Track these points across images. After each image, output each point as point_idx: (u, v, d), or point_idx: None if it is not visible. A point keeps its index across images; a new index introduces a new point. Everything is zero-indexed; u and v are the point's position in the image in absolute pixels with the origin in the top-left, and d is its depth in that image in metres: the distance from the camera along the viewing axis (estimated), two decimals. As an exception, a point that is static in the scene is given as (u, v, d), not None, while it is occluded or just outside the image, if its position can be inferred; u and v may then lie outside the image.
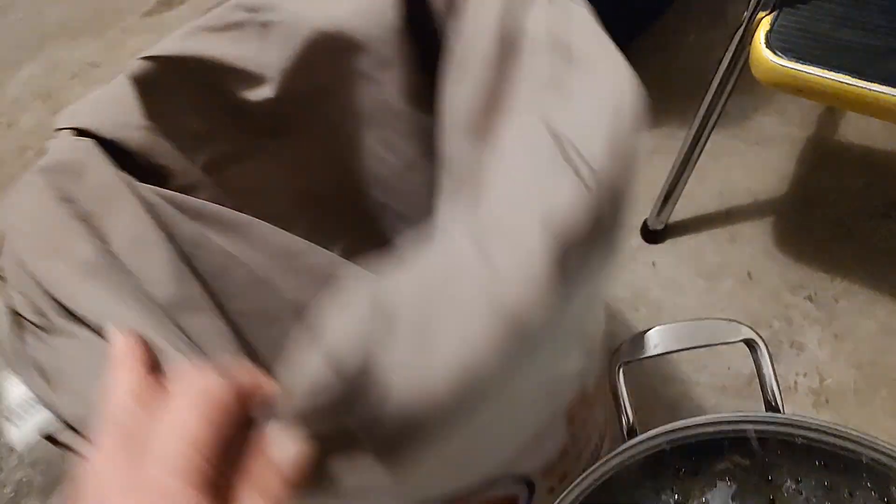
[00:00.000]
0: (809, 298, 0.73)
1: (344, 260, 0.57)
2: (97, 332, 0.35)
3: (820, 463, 0.38)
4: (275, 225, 0.54)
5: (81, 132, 0.45)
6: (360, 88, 0.51)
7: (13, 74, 1.21)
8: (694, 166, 0.76)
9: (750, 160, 0.85)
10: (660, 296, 0.75)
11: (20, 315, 0.35)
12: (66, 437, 0.33)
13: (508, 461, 0.43)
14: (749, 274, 0.76)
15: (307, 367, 0.27)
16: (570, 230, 0.28)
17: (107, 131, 0.45)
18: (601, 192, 0.29)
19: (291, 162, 0.56)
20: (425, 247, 0.31)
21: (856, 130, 0.85)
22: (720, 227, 0.80)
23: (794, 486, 0.37)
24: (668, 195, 0.78)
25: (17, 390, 0.34)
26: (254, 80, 0.50)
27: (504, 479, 0.44)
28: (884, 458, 0.37)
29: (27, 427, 0.34)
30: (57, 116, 0.47)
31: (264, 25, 0.49)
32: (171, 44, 0.48)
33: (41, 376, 0.33)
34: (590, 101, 0.32)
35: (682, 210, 0.81)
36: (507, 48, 0.37)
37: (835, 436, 0.38)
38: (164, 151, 0.48)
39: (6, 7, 1.34)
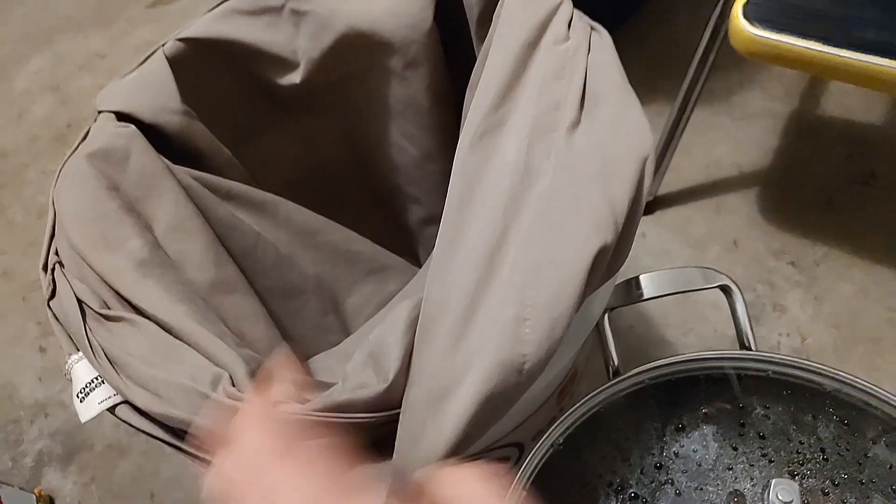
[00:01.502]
0: (792, 264, 0.76)
1: (358, 236, 0.60)
2: (154, 321, 0.37)
3: (787, 392, 0.41)
4: (286, 192, 0.57)
5: (122, 116, 0.47)
6: (387, 83, 0.53)
7: (22, 67, 1.24)
8: (679, 140, 0.79)
9: (735, 134, 0.88)
10: (650, 264, 0.79)
11: (86, 304, 0.38)
12: (124, 413, 0.36)
13: (506, 434, 0.46)
14: (734, 242, 0.79)
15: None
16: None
17: (147, 115, 0.47)
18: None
19: (309, 138, 0.59)
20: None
21: (836, 104, 0.89)
22: (706, 198, 0.83)
23: (762, 412, 0.40)
24: (656, 168, 0.81)
25: (84, 371, 0.37)
26: (284, 65, 0.52)
27: (500, 446, 0.48)
28: (844, 388, 0.41)
29: (91, 402, 0.36)
30: (98, 97, 0.49)
31: (298, 13, 0.51)
32: (205, 25, 0.50)
33: (108, 360, 0.35)
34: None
35: (671, 183, 0.85)
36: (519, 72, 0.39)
37: (801, 369, 0.42)
38: (198, 134, 0.50)
39: (13, 2, 1.37)
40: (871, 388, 0.40)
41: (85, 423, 0.37)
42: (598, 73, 0.37)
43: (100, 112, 0.48)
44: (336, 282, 0.58)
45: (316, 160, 0.60)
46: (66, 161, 0.44)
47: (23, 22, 1.34)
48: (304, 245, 0.56)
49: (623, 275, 0.82)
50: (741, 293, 0.47)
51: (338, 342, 0.59)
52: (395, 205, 0.63)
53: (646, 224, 0.82)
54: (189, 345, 0.36)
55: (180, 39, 0.50)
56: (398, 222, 0.65)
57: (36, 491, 0.79)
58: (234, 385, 0.33)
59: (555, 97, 0.35)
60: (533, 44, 0.37)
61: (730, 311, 0.47)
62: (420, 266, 0.64)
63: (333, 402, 0.30)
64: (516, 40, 0.37)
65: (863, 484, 0.37)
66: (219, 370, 0.34)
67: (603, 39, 0.39)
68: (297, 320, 0.55)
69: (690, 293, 0.77)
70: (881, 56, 0.54)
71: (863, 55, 0.55)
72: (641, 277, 0.49)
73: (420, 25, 0.49)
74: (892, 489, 0.36)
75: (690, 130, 0.82)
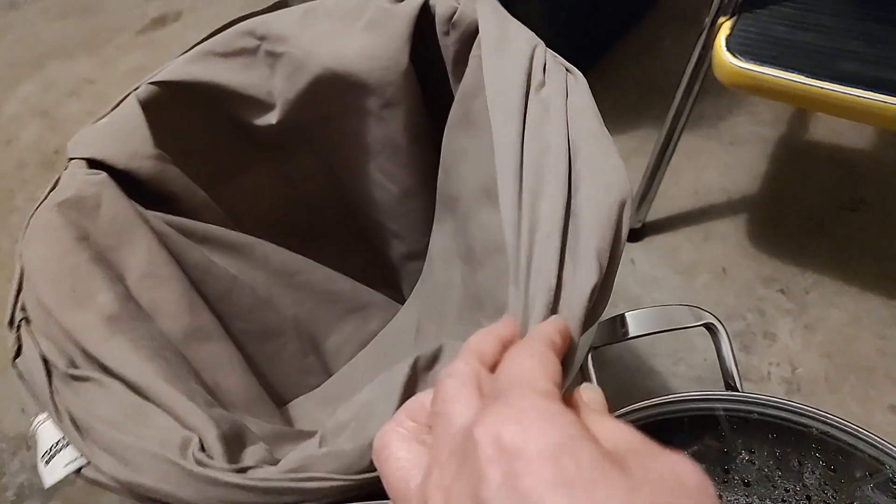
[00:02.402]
0: (781, 291, 0.76)
1: (339, 275, 0.59)
2: (122, 380, 0.36)
3: (773, 436, 0.40)
4: (266, 231, 0.56)
5: (94, 162, 0.46)
6: (364, 123, 0.52)
7: (12, 92, 1.24)
8: (667, 166, 0.79)
9: (723, 160, 0.88)
10: (638, 291, 0.78)
11: (52, 363, 0.36)
12: (92, 472, 0.34)
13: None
14: (723, 269, 0.79)
15: None
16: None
17: (119, 162, 0.46)
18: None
19: (285, 174, 0.58)
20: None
21: (825, 129, 0.89)
22: (695, 224, 0.83)
23: (747, 457, 0.39)
24: (645, 194, 0.81)
25: (49, 432, 0.36)
26: (260, 106, 0.51)
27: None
28: (832, 430, 0.40)
29: (57, 465, 0.35)
30: (69, 144, 0.48)
31: (273, 55, 0.50)
32: (179, 68, 0.49)
33: (72, 423, 0.34)
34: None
35: (659, 209, 0.84)
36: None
37: (786, 410, 0.41)
38: (172, 178, 0.49)
39: (4, 28, 1.37)
40: (856, 430, 0.39)
41: (48, 487, 0.35)
42: (575, 118, 0.36)
43: (70, 159, 0.47)
44: (316, 322, 0.57)
45: (296, 197, 0.60)
46: (35, 211, 0.43)
47: (13, 47, 1.34)
48: (283, 286, 0.55)
49: (611, 302, 0.81)
50: (726, 332, 0.46)
51: (318, 384, 0.58)
52: (376, 241, 0.63)
53: (634, 250, 0.82)
54: (158, 405, 0.35)
55: (153, 83, 0.49)
56: (380, 258, 0.64)
57: (16, 527, 0.78)
58: (203, 449, 0.32)
59: (544, 143, 0.35)
60: (526, 94, 0.37)
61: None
62: (403, 301, 0.63)
63: (308, 462, 0.29)
64: (515, 97, 0.36)
65: (850, 534, 0.36)
66: (188, 433, 0.33)
67: (578, 82, 0.39)
68: (275, 363, 0.54)
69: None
70: (864, 89, 0.53)
71: (845, 88, 0.55)
72: (627, 315, 0.48)
73: (396, 67, 0.48)
74: (880, 540, 0.35)
75: (679, 155, 0.82)
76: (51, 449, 0.35)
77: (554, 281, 0.30)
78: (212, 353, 0.45)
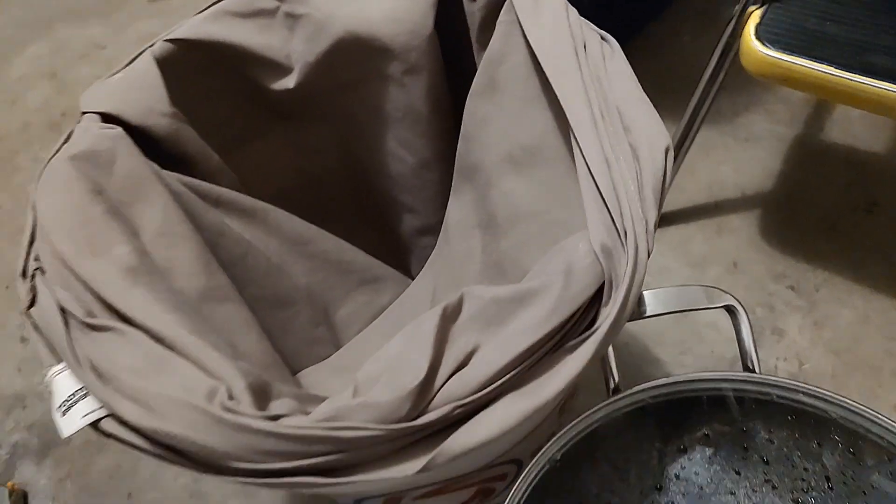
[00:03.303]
0: (791, 288, 0.76)
1: (351, 246, 0.58)
2: (144, 330, 0.35)
3: (792, 418, 0.40)
4: (276, 201, 0.55)
5: (108, 117, 0.44)
6: (385, 90, 0.51)
7: (20, 53, 1.22)
8: (684, 159, 0.79)
9: (739, 156, 0.88)
10: (649, 281, 0.78)
11: (69, 313, 0.35)
12: (110, 426, 0.33)
13: (506, 450, 0.45)
14: (735, 263, 0.78)
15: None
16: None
17: (134, 118, 0.44)
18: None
19: (299, 143, 0.57)
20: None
21: (840, 130, 0.88)
22: (708, 218, 0.83)
23: (766, 437, 0.39)
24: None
25: (66, 383, 0.34)
26: (277, 69, 0.50)
27: (499, 464, 0.46)
28: (851, 416, 0.40)
29: (74, 416, 0.34)
30: (82, 97, 0.46)
31: (293, 16, 0.49)
32: (195, 27, 0.48)
33: (93, 372, 0.33)
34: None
35: (673, 202, 0.84)
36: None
37: (805, 394, 0.41)
38: (187, 138, 0.48)
39: (14, -12, 1.36)
40: (874, 415, 0.39)
41: (66, 437, 0.34)
42: (616, 82, 0.36)
43: (84, 113, 0.45)
44: (328, 292, 0.56)
45: (308, 169, 0.59)
46: (48, 163, 0.41)
47: (24, 7, 1.32)
48: (296, 254, 0.54)
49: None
50: (747, 314, 0.46)
51: (328, 355, 0.57)
52: (388, 215, 0.62)
53: (646, 241, 0.81)
54: (182, 356, 0.34)
55: (169, 40, 0.48)
56: (391, 233, 0.63)
57: (9, 485, 0.77)
58: (231, 398, 0.31)
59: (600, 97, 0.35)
60: (576, 51, 0.36)
61: (732, 333, 0.46)
62: (412, 278, 0.62)
63: (343, 411, 0.29)
64: (568, 52, 0.36)
65: (868, 515, 0.36)
66: (215, 382, 0.32)
67: (614, 49, 0.39)
68: (286, 332, 0.54)
69: (690, 312, 0.77)
70: (891, 82, 0.53)
71: (873, 80, 0.54)
72: (645, 294, 0.48)
73: (421, 31, 0.47)
74: (898, 522, 0.35)
75: (695, 150, 0.81)
76: (68, 399, 0.34)
77: (641, 213, 0.30)
78: (228, 315, 0.44)
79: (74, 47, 1.22)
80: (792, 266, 0.77)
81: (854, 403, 0.40)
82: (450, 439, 0.28)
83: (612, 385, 0.46)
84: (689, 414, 0.42)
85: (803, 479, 0.37)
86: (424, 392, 0.29)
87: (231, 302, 0.44)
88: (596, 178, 0.32)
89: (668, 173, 0.33)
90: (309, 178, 0.58)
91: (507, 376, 0.29)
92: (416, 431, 0.29)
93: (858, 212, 0.81)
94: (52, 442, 0.81)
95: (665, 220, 0.83)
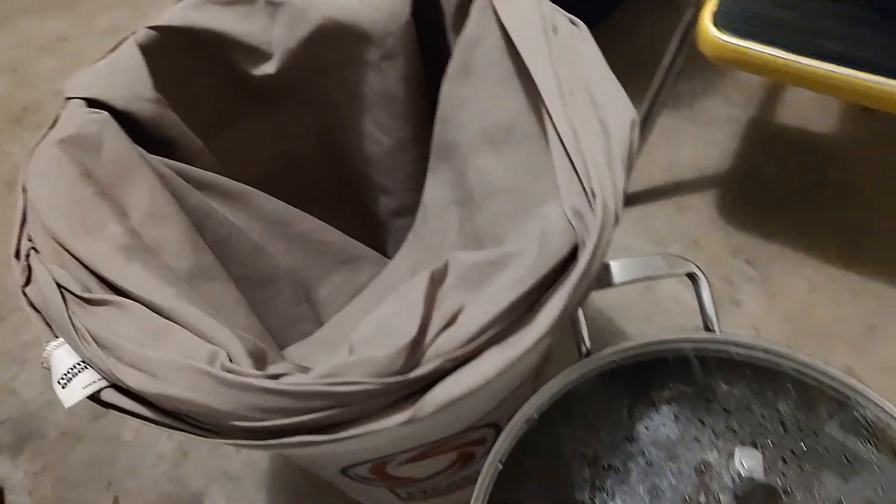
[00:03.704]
0: (748, 261, 0.80)
1: (329, 227, 0.60)
2: (142, 303, 0.36)
3: (750, 372, 0.44)
4: (257, 185, 0.57)
5: (93, 103, 0.45)
6: (363, 74, 0.53)
7: (-20, 46, 1.20)
8: (645, 142, 0.82)
9: (697, 139, 0.92)
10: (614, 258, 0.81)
11: (67, 289, 0.36)
12: (111, 396, 0.34)
13: (486, 414, 0.47)
14: (695, 240, 0.82)
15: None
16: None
17: (119, 103, 0.45)
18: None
19: (279, 128, 0.58)
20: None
21: (793, 113, 0.93)
22: (669, 198, 0.86)
23: (727, 389, 0.42)
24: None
25: (65, 357, 0.35)
26: (258, 55, 0.52)
27: (478, 427, 0.49)
28: (803, 368, 0.43)
29: (75, 387, 0.34)
30: (66, 84, 0.47)
31: (273, 4, 0.50)
32: (178, 14, 0.49)
33: (95, 343, 0.34)
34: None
35: (636, 183, 0.87)
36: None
37: (761, 349, 0.44)
38: (171, 123, 0.49)
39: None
40: (825, 368, 0.43)
41: (69, 407, 0.35)
42: (584, 62, 0.38)
43: (68, 99, 0.46)
44: (308, 271, 0.58)
45: (288, 153, 0.60)
46: (36, 147, 0.42)
47: (-18, 1, 1.30)
48: (277, 235, 0.56)
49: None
50: (707, 280, 0.50)
51: (310, 332, 0.59)
52: (365, 197, 0.64)
53: (611, 221, 0.85)
54: (181, 325, 0.35)
55: (152, 28, 0.49)
56: (368, 215, 0.65)
57: (-17, 481, 0.77)
58: (231, 362, 0.33)
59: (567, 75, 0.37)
60: (545, 32, 0.39)
61: (694, 305, 0.49)
62: (389, 259, 0.64)
63: (340, 368, 0.31)
64: (538, 34, 0.38)
65: (819, 453, 0.39)
66: (214, 348, 0.33)
67: (583, 31, 0.41)
68: (270, 310, 0.55)
69: (655, 286, 0.80)
70: (840, 65, 0.57)
71: (822, 63, 0.58)
72: (612, 263, 0.51)
73: (398, 17, 0.49)
74: (845, 457, 0.39)
75: (656, 133, 0.85)
76: (67, 373, 0.35)
77: (609, 176, 0.32)
78: (217, 292, 0.46)
79: (37, 40, 1.20)
80: (748, 241, 0.81)
81: (804, 357, 0.44)
82: (437, 388, 0.31)
83: (583, 351, 0.49)
84: (656, 373, 0.45)
85: (761, 425, 0.41)
86: (416, 348, 0.31)
87: (219, 280, 0.46)
88: (567, 147, 0.35)
89: (635, 145, 0.36)
90: (289, 162, 0.59)
91: (490, 332, 0.32)
92: (410, 384, 0.31)
93: (809, 189, 0.85)
94: (27, 436, 0.81)
95: (628, 200, 0.87)
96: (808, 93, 0.92)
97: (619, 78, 0.41)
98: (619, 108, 0.36)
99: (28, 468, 0.78)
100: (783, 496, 0.38)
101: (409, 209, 0.60)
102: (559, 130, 0.35)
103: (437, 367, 0.31)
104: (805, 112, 0.93)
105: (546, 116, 0.37)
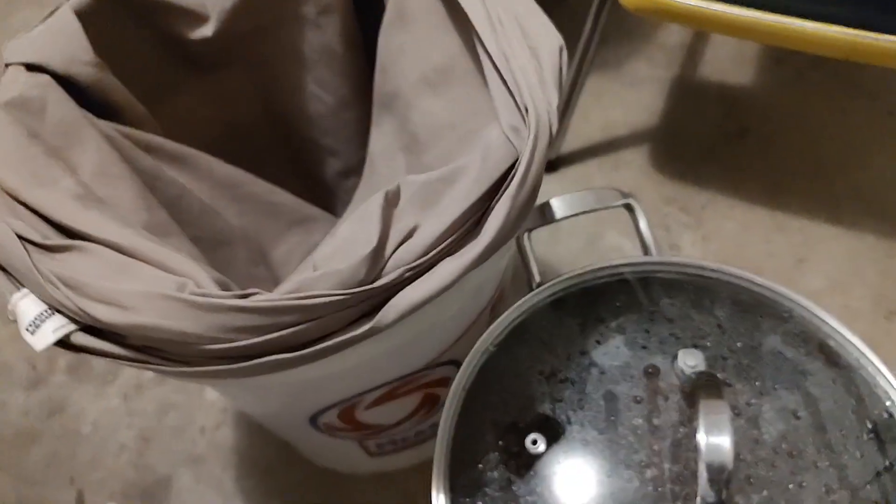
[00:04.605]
0: (682, 209, 0.84)
1: (279, 189, 0.61)
2: (104, 244, 0.36)
3: (689, 286, 0.47)
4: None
5: (33, 67, 0.44)
6: (301, 32, 0.53)
7: None
8: (577, 104, 0.86)
9: (626, 99, 0.96)
10: (557, 217, 0.84)
11: (27, 239, 0.36)
12: (81, 338, 0.35)
13: (444, 351, 0.49)
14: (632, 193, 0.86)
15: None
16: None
17: (59, 67, 0.45)
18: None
19: (222, 96, 0.58)
20: None
21: (712, 69, 0.98)
22: (605, 156, 0.90)
23: (669, 302, 0.45)
24: (558, 131, 0.87)
25: (31, 306, 0.35)
26: (194, 18, 0.51)
27: (439, 365, 0.51)
28: (734, 279, 0.47)
29: (45, 332, 0.35)
30: (4, 51, 0.46)
31: None
32: None
33: (64, 285, 0.34)
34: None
35: (572, 144, 0.91)
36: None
37: (698, 267, 0.48)
38: (113, 87, 0.48)
39: None
40: (764, 282, 0.46)
41: (41, 350, 0.35)
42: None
43: (7, 65, 0.45)
44: (261, 233, 0.59)
45: (230, 120, 0.60)
46: None
47: None
48: (228, 197, 0.56)
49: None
50: (643, 209, 0.53)
51: (270, 290, 0.60)
52: (311, 160, 0.65)
53: (551, 182, 0.88)
54: (146, 262, 0.35)
55: None
56: (316, 179, 0.66)
57: (-58, 485, 0.75)
58: (199, 288, 0.33)
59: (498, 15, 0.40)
60: None
61: (636, 250, 0.53)
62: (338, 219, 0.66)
63: (306, 283, 0.32)
64: None
65: (753, 348, 0.43)
66: (182, 278, 0.34)
67: None
68: (229, 270, 0.56)
69: (597, 239, 0.84)
70: (753, 8, 0.61)
71: (734, 8, 0.62)
72: (552, 201, 0.53)
73: None
74: (777, 351, 0.42)
75: (587, 97, 0.89)
76: (35, 320, 0.35)
77: (541, 94, 0.35)
78: (175, 248, 0.46)
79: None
80: (681, 190, 0.86)
81: (736, 269, 0.47)
82: (398, 296, 0.33)
83: (534, 284, 0.52)
84: (603, 293, 0.48)
85: (700, 329, 0.44)
86: (377, 258, 0.33)
87: (175, 236, 0.46)
88: (501, 72, 0.37)
89: (564, 67, 0.38)
90: (233, 130, 0.60)
91: (445, 243, 0.34)
92: (373, 293, 0.33)
93: (732, 138, 0.91)
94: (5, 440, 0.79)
95: (567, 161, 0.90)
96: (725, 49, 0.97)
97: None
98: (547, 35, 0.39)
99: (-16, 471, 0.76)
100: (725, 387, 0.41)
101: (356, 169, 0.62)
102: (493, 57, 0.37)
103: (397, 276, 0.33)
104: (723, 66, 0.98)
105: (480, 47, 0.39)
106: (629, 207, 0.53)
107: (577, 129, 0.92)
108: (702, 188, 0.86)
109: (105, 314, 0.33)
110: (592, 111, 0.94)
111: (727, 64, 0.98)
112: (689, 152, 0.90)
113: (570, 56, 0.81)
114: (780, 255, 0.80)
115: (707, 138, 0.91)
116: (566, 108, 0.85)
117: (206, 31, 0.51)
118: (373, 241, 0.32)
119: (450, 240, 0.34)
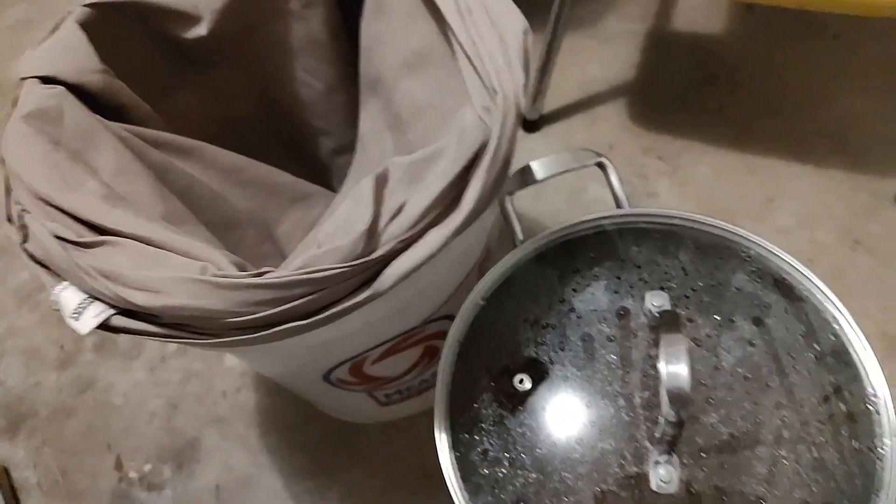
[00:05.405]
0: (659, 158, 0.89)
1: (279, 170, 0.65)
2: (133, 238, 0.40)
3: (656, 235, 0.52)
4: None
5: (46, 80, 0.49)
6: (288, 24, 0.57)
7: None
8: (554, 62, 0.89)
9: (602, 55, 0.99)
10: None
11: (64, 239, 0.40)
12: (119, 321, 0.40)
13: (439, 307, 0.54)
14: (611, 145, 0.91)
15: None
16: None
17: (70, 77, 0.49)
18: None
19: (219, 90, 0.62)
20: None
21: (683, 20, 1.02)
22: (584, 111, 0.94)
23: (637, 250, 0.51)
24: (538, 90, 0.91)
25: (72, 296, 0.40)
26: (188, 19, 0.55)
27: (435, 320, 0.56)
28: (695, 224, 0.52)
29: (87, 318, 0.39)
30: (18, 66, 0.50)
31: None
32: None
33: (101, 276, 0.38)
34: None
35: (552, 101, 0.95)
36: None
37: (664, 216, 0.52)
38: (119, 91, 0.53)
39: None
40: (714, 221, 0.51)
41: (86, 334, 0.40)
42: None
43: (23, 79, 0.50)
44: (266, 212, 0.64)
45: (229, 111, 0.64)
46: (5, 128, 0.46)
47: None
48: (233, 183, 0.61)
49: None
50: (615, 167, 0.58)
51: (277, 265, 0.65)
52: (306, 142, 0.69)
53: (534, 140, 0.93)
54: (172, 251, 0.40)
55: (87, 5, 0.52)
56: (311, 158, 0.70)
57: (-13, 464, 0.81)
58: (220, 270, 0.38)
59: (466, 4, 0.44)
60: None
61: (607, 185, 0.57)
62: (336, 193, 0.71)
63: (312, 259, 0.37)
64: None
65: (713, 287, 0.48)
66: (204, 263, 0.39)
67: None
68: (239, 250, 0.61)
69: (580, 193, 0.89)
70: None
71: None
72: (532, 164, 0.58)
73: None
74: (735, 287, 0.48)
75: (564, 55, 0.92)
76: (77, 308, 0.40)
77: (508, 75, 0.39)
78: (190, 234, 0.51)
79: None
80: (657, 140, 0.90)
81: (697, 216, 0.52)
82: (393, 264, 0.38)
83: (517, 244, 0.57)
84: (578, 246, 0.53)
85: (666, 272, 0.49)
86: (372, 233, 0.38)
87: (189, 223, 0.51)
88: (471, 58, 0.41)
89: (529, 49, 0.42)
90: (232, 121, 0.64)
91: (430, 216, 0.39)
92: (371, 264, 0.38)
93: (703, 86, 0.95)
94: (20, 418, 0.85)
95: (548, 119, 0.94)
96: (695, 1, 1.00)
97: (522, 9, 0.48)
98: (512, 20, 0.43)
99: (27, 445, 0.83)
100: (687, 322, 0.47)
101: (348, 147, 0.66)
102: (462, 44, 0.42)
103: (390, 248, 0.38)
104: (694, 17, 1.01)
105: (451, 35, 0.43)
106: (601, 166, 0.58)
107: (556, 88, 0.95)
108: (676, 136, 0.90)
109: (141, 299, 0.38)
110: (570, 68, 0.98)
111: (698, 14, 1.01)
112: (663, 102, 0.94)
113: (546, 15, 0.85)
114: (752, 195, 0.85)
115: (679, 88, 0.95)
116: (544, 70, 0.89)
117: (201, 30, 0.55)
118: (367, 219, 0.37)
119: (434, 213, 0.39)
